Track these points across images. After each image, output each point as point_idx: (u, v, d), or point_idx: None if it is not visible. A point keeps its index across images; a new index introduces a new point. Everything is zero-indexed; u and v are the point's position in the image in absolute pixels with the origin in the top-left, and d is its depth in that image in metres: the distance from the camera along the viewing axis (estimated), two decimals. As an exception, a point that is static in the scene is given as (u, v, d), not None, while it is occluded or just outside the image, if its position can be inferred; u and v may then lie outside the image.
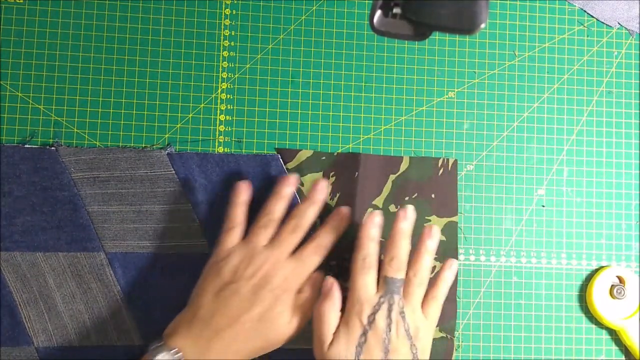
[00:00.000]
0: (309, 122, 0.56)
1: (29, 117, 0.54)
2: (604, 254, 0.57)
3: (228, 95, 0.56)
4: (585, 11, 0.59)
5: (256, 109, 0.56)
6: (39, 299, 0.52)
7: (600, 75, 0.59)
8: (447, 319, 0.55)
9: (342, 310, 0.49)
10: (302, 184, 0.55)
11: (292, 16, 0.57)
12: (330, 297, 0.48)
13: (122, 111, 0.55)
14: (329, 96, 0.57)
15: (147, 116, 0.55)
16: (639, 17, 0.60)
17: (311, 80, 0.57)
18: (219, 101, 0.56)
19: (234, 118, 0.56)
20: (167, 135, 0.55)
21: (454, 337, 0.55)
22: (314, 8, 0.57)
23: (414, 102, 0.57)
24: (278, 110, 0.56)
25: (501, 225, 0.57)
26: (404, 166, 0.56)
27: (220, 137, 0.55)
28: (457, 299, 0.55)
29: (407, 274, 0.49)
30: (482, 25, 0.37)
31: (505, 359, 0.56)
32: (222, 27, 0.56)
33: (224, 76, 0.56)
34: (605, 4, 0.59)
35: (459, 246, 0.56)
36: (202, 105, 0.55)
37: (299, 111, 0.56)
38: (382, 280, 0.48)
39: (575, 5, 0.59)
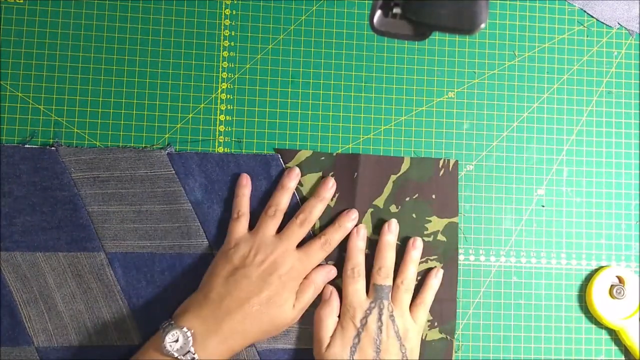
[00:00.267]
0: (309, 122, 0.56)
1: (29, 117, 0.54)
2: (604, 254, 0.57)
3: (228, 95, 0.56)
4: (585, 11, 0.59)
5: (256, 109, 0.56)
6: (39, 299, 0.52)
7: (600, 75, 0.59)
8: (447, 320, 0.55)
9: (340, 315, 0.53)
10: (301, 184, 0.55)
11: (292, 16, 0.57)
12: (329, 304, 0.52)
13: (122, 111, 0.55)
14: (329, 96, 0.57)
15: (147, 116, 0.55)
16: (639, 17, 0.60)
17: (311, 80, 0.57)
18: (219, 101, 0.56)
19: (234, 118, 0.56)
20: (167, 135, 0.55)
21: (454, 338, 0.55)
22: (314, 8, 0.57)
23: (414, 102, 0.57)
24: (278, 110, 0.56)
25: (501, 225, 0.57)
26: (404, 167, 0.56)
27: (220, 137, 0.55)
28: (457, 299, 0.55)
29: (395, 281, 0.53)
30: (482, 25, 0.37)
31: (505, 359, 0.56)
32: (222, 27, 0.56)
33: (224, 76, 0.56)
34: (605, 4, 0.59)
35: (459, 246, 0.56)
36: (202, 105, 0.55)
37: (299, 111, 0.56)
38: (372, 287, 0.53)
39: (575, 5, 0.59)
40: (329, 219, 0.55)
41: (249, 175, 0.54)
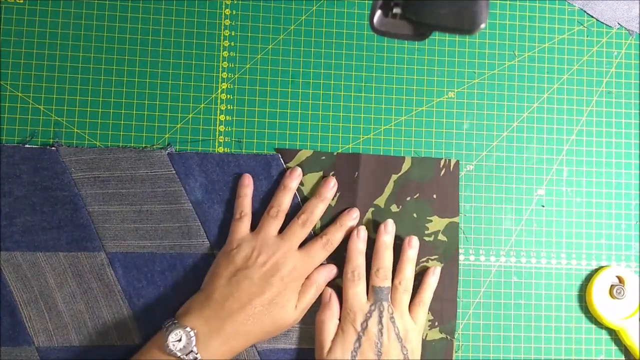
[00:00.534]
0: (309, 122, 0.56)
1: (29, 117, 0.54)
2: (604, 254, 0.57)
3: (228, 95, 0.56)
4: (585, 11, 0.59)
5: (256, 109, 0.56)
6: (40, 298, 0.52)
7: (600, 75, 0.59)
8: (447, 320, 0.55)
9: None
10: (302, 184, 0.55)
11: (292, 16, 0.57)
12: (329, 307, 0.53)
13: (122, 111, 0.55)
14: (328, 96, 0.57)
15: (147, 116, 0.55)
16: (639, 17, 0.60)
17: (311, 80, 0.57)
18: (219, 101, 0.56)
19: (234, 118, 0.56)
20: (167, 136, 0.55)
21: (454, 338, 0.55)
22: (314, 8, 0.57)
23: (414, 102, 0.57)
24: (278, 110, 0.56)
25: (501, 225, 0.57)
26: (405, 166, 0.56)
27: (220, 137, 0.55)
28: (457, 299, 0.55)
29: (393, 282, 0.53)
30: (482, 25, 0.37)
31: (505, 359, 0.56)
32: (222, 27, 0.56)
33: (224, 76, 0.56)
34: (605, 4, 0.59)
35: (459, 246, 0.56)
36: (202, 105, 0.55)
37: (299, 111, 0.56)
38: (371, 289, 0.53)
39: (575, 5, 0.59)
40: (330, 218, 0.55)
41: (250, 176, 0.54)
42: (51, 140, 0.54)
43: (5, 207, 0.52)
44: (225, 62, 0.56)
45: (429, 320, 0.55)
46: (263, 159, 0.55)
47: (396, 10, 0.39)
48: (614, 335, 0.57)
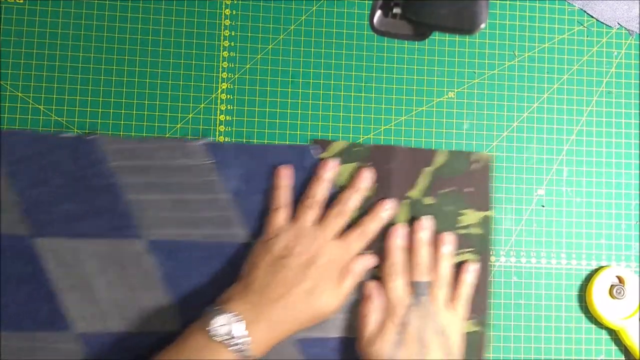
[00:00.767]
0: (309, 122, 0.56)
1: (29, 117, 0.54)
2: (604, 254, 0.57)
3: (228, 96, 0.56)
4: (585, 11, 0.59)
5: (256, 109, 0.56)
6: (79, 285, 0.52)
7: (600, 75, 0.59)
8: (479, 313, 0.55)
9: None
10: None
11: (292, 16, 0.57)
12: (372, 300, 0.53)
13: (122, 111, 0.55)
14: (328, 96, 0.57)
15: (147, 116, 0.55)
16: (639, 17, 0.60)
17: (311, 81, 0.57)
18: (219, 101, 0.56)
19: (234, 118, 0.56)
20: (167, 135, 0.55)
21: (486, 330, 0.55)
22: (314, 8, 0.57)
23: (413, 102, 0.57)
24: (278, 110, 0.56)
25: (501, 225, 0.57)
26: (438, 159, 0.56)
27: (221, 137, 0.55)
28: (489, 291, 0.55)
29: (431, 277, 0.53)
30: (482, 25, 0.37)
31: (505, 359, 0.56)
32: (222, 27, 0.56)
33: (224, 76, 0.56)
34: (605, 4, 0.59)
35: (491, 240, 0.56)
36: (202, 105, 0.55)
37: (299, 111, 0.56)
38: (410, 284, 0.53)
39: (575, 5, 0.59)
40: (368, 209, 0.55)
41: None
42: (51, 140, 0.54)
43: (44, 195, 0.52)
44: (225, 62, 0.56)
45: None
46: (299, 150, 0.55)
47: (396, 10, 0.39)
48: (614, 335, 0.57)
